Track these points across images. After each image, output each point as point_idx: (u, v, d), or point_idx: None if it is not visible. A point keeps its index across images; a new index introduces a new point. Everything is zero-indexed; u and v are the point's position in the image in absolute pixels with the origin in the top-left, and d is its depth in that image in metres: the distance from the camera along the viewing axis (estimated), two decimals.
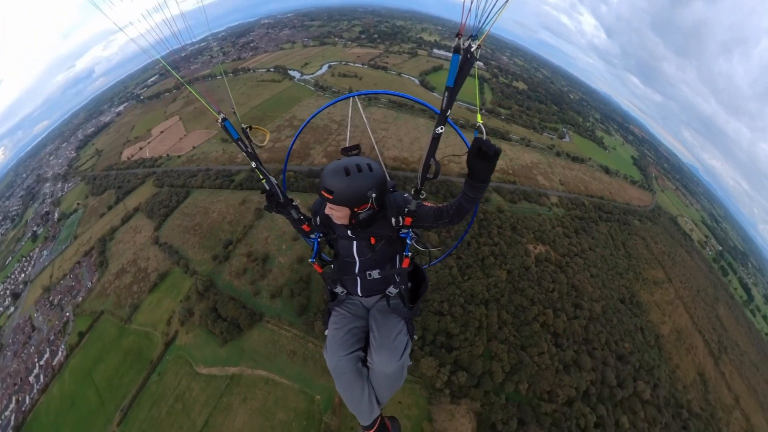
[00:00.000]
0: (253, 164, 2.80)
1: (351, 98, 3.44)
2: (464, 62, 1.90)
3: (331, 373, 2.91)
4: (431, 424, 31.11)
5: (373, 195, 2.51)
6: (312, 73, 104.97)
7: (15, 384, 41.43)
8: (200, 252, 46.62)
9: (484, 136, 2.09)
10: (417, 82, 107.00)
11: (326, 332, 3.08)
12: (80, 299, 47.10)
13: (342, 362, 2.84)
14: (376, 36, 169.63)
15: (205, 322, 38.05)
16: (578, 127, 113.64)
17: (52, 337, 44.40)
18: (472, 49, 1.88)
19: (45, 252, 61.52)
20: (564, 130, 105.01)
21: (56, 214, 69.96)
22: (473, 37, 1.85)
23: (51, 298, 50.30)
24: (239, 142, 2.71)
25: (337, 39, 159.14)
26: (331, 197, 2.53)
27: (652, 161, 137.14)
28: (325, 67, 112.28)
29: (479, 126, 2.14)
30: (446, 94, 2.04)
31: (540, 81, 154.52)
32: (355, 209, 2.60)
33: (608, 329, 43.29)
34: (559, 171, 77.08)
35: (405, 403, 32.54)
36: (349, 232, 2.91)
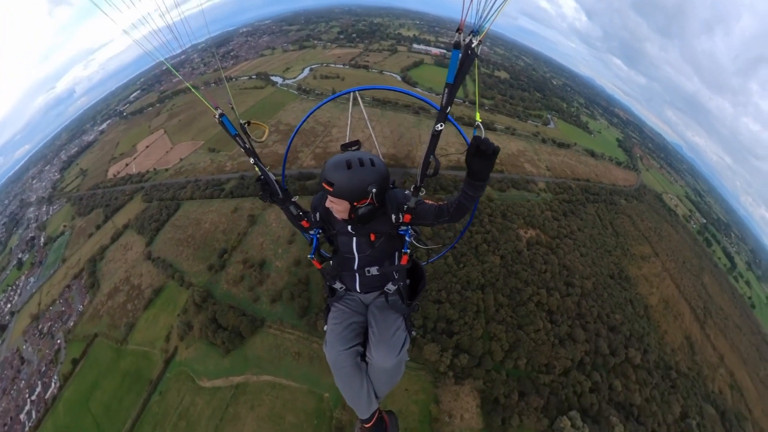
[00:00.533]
0: (252, 160, 2.78)
1: (351, 93, 3.37)
2: (464, 58, 1.87)
3: (330, 367, 2.94)
4: (438, 405, 32.79)
5: (374, 190, 2.52)
6: (294, 78, 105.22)
7: (5, 424, 38.74)
8: (195, 263, 46.54)
9: (483, 135, 2.08)
10: (399, 78, 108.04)
11: (325, 327, 3.13)
12: (72, 324, 46.04)
13: (341, 356, 2.87)
14: (354, 35, 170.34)
15: (205, 334, 37.93)
16: (563, 113, 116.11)
17: (43, 368, 42.72)
18: (473, 46, 1.83)
19: (32, 279, 59.93)
20: (548, 116, 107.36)
21: (42, 239, 68.50)
22: (474, 33, 1.81)
23: (40, 327, 48.75)
24: (237, 138, 2.68)
25: (316, 42, 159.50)
26: (331, 189, 2.55)
27: (637, 142, 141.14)
28: (306, 71, 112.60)
29: (478, 124, 2.11)
30: (446, 90, 2.01)
31: (522, 69, 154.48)
32: (355, 203, 2.60)
33: (599, 303, 45.37)
34: (546, 157, 79.18)
35: (412, 390, 33.83)
36: (349, 228, 2.91)
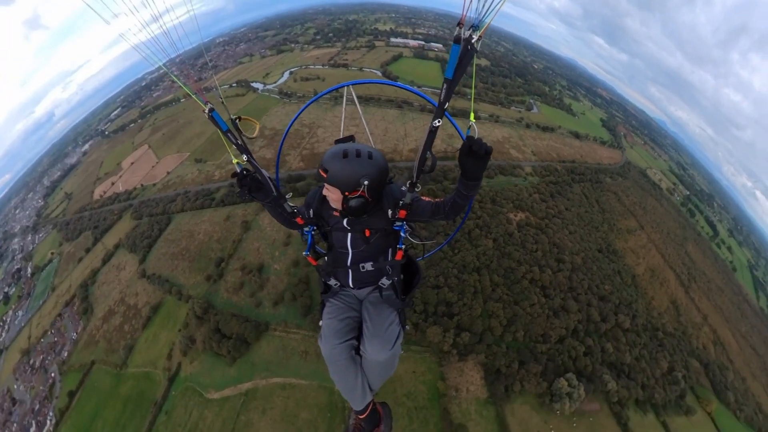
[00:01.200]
0: (244, 157, 2.73)
1: (345, 89, 3.32)
2: (464, 54, 1.83)
3: (325, 360, 3.00)
4: (444, 382, 34.96)
5: (365, 183, 2.51)
6: (275, 82, 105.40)
7: None
8: (192, 275, 46.55)
9: (476, 135, 2.08)
10: (379, 74, 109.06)
11: (321, 322, 3.17)
12: (66, 354, 44.52)
13: (336, 350, 2.92)
14: (331, 35, 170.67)
15: (209, 346, 38.00)
16: (545, 96, 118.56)
17: (37, 407, 40.68)
18: (473, 41, 1.79)
19: (20, 312, 57.56)
20: (531, 101, 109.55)
21: (29, 269, 66.71)
22: (474, 28, 1.77)
23: (32, 362, 46.66)
24: (228, 134, 2.62)
25: (293, 45, 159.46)
26: (325, 176, 2.59)
27: (621, 121, 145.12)
28: (286, 74, 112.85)
29: (471, 125, 2.11)
30: (444, 86, 1.98)
31: (502, 55, 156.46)
32: (347, 193, 2.61)
33: (589, 276, 47.79)
34: (531, 142, 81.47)
35: (419, 371, 35.54)
36: (344, 222, 2.93)
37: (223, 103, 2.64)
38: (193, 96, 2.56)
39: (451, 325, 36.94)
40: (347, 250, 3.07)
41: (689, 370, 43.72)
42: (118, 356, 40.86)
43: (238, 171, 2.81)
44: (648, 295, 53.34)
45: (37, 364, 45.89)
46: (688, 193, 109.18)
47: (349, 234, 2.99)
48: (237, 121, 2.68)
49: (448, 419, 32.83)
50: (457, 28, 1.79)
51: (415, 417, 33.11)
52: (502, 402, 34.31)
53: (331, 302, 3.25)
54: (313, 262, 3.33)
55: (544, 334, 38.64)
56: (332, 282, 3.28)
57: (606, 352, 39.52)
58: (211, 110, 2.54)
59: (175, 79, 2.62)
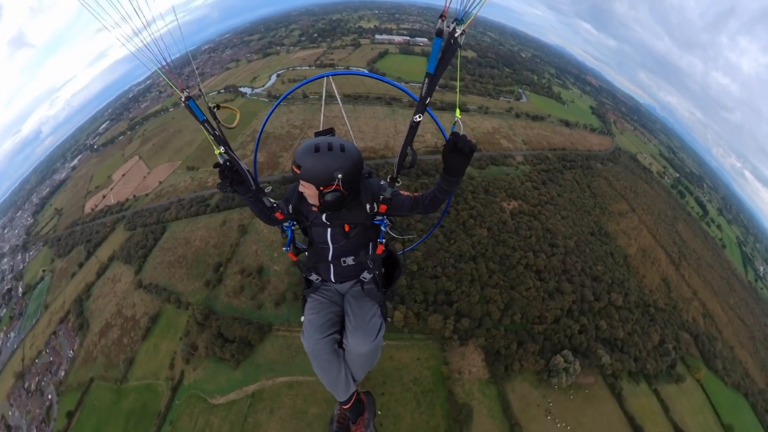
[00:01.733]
0: (222, 148, 2.62)
1: (324, 80, 3.29)
2: (447, 47, 1.77)
3: (308, 355, 3.02)
4: (448, 366, 36.67)
5: (339, 176, 2.49)
6: (262, 86, 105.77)
7: None
8: (190, 282, 46.40)
9: (461, 131, 2.08)
10: (366, 71, 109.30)
11: (302, 318, 3.18)
12: (62, 374, 43.50)
13: (319, 345, 2.96)
14: (316, 35, 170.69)
15: (212, 351, 37.96)
16: (534, 85, 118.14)
17: (33, 431, 39.51)
18: (456, 35, 1.72)
19: (12, 334, 55.59)
20: (520, 91, 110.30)
21: (20, 289, 64.96)
22: (458, 21, 1.69)
23: (26, 385, 45.06)
24: (205, 124, 2.53)
25: (279, 47, 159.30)
26: (299, 172, 2.56)
27: (610, 108, 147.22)
28: (274, 77, 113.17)
29: (456, 121, 2.10)
30: (426, 80, 1.93)
31: (488, 45, 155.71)
32: (321, 188, 2.58)
33: (582, 259, 49.34)
34: (521, 132, 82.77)
35: (422, 358, 36.96)
36: (323, 217, 2.91)
37: (200, 90, 2.58)
38: (170, 83, 2.44)
39: (451, 313, 38.49)
40: (327, 245, 3.08)
41: (679, 342, 45.67)
42: (118, 371, 40.32)
43: (221, 162, 2.74)
44: (639, 273, 55.18)
45: (33, 386, 44.61)
46: (678, 175, 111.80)
47: (329, 229, 2.99)
48: (215, 109, 2.59)
49: (453, 400, 34.39)
50: (440, 21, 1.75)
51: (422, 400, 34.52)
52: (502, 381, 36.24)
53: (312, 297, 3.27)
54: (294, 258, 3.36)
55: (540, 316, 40.33)
56: (313, 277, 3.30)
57: (600, 329, 41.40)
58: (188, 98, 2.46)
59: (146, 65, 2.41)
